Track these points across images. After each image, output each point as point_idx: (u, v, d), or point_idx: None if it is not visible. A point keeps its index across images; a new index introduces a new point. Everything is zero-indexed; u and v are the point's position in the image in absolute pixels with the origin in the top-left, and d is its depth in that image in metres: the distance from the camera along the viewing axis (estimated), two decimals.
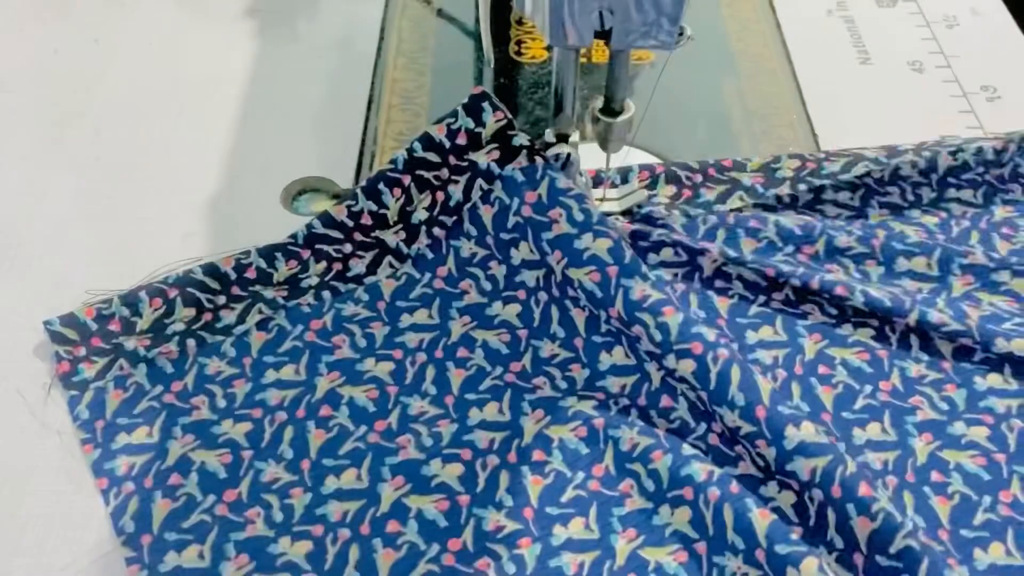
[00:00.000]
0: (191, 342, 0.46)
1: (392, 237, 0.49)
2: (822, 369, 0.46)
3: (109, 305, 0.46)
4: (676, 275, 0.49)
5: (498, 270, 0.48)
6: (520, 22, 0.67)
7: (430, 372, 0.46)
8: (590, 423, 0.43)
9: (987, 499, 0.41)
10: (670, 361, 0.43)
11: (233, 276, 0.48)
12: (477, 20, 0.63)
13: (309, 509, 0.41)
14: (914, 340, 0.47)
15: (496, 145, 0.48)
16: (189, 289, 0.47)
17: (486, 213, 0.48)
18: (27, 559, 0.40)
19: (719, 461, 0.42)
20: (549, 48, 0.64)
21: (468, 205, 0.49)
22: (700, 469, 0.41)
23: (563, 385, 0.45)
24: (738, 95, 0.61)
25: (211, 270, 0.48)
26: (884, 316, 0.47)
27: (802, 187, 0.53)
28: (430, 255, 0.49)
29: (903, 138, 0.57)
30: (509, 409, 0.44)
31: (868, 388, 0.45)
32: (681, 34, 0.41)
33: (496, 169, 0.48)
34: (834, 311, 0.48)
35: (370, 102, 0.61)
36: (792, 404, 0.42)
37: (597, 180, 0.53)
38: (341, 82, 0.63)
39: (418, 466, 0.42)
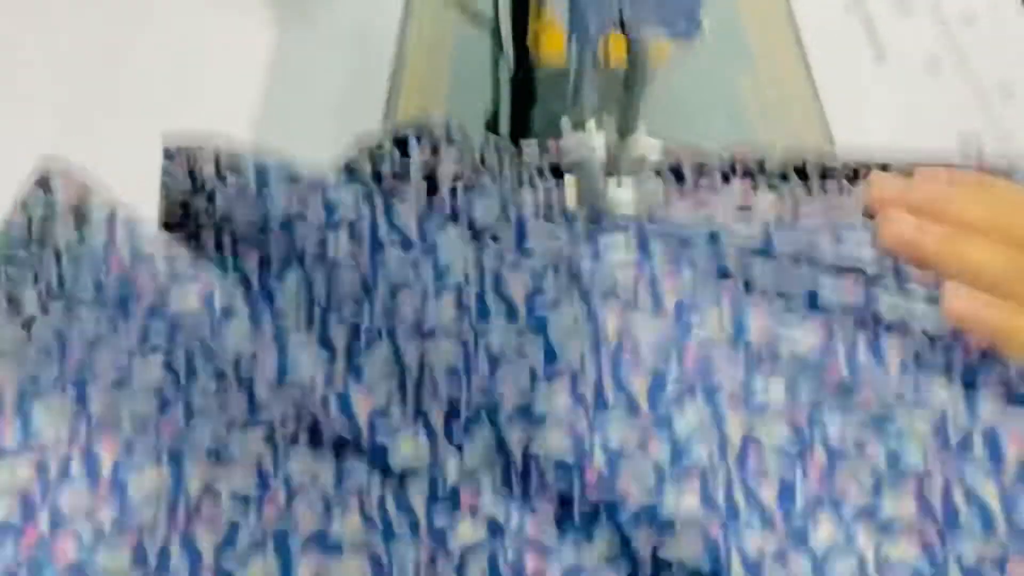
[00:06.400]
0: None
1: None
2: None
3: None
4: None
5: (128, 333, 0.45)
6: (539, 14, 0.68)
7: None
8: (259, 463, 0.42)
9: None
10: None
11: None
12: (496, 12, 0.64)
13: None
14: None
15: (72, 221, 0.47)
16: None
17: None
18: None
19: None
20: (568, 39, 0.64)
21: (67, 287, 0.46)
22: (372, 476, 0.41)
23: (222, 429, 0.43)
24: (754, 91, 0.61)
25: None
26: None
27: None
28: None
29: (919, 135, 0.57)
30: (169, 471, 0.42)
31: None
32: (699, 25, 0.42)
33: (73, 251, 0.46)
34: None
35: (390, 93, 0.61)
36: None
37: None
38: (361, 73, 0.63)
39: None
